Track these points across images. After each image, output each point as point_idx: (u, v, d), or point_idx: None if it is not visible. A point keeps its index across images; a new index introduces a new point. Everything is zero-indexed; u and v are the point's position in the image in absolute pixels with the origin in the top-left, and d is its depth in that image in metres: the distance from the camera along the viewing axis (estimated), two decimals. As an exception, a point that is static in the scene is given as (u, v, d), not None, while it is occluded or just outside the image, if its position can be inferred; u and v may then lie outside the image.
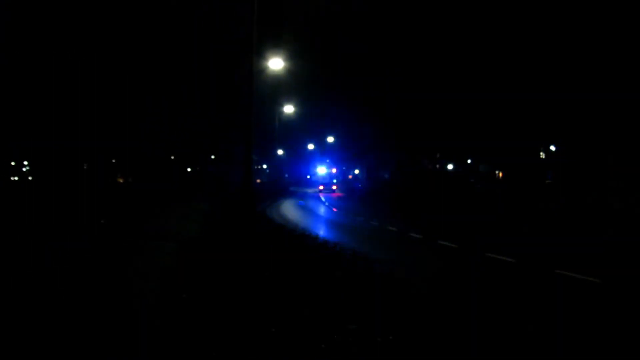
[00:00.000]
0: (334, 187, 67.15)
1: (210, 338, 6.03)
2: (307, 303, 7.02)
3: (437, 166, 63.60)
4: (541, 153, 49.66)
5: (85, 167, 44.01)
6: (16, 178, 56.17)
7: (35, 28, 33.68)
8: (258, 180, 61.07)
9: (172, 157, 55.81)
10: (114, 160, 49.27)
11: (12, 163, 56.70)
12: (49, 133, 36.12)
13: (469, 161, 58.39)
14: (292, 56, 33.47)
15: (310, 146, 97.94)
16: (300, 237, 14.81)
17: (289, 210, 33.94)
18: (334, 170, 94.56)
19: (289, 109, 47.53)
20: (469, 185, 50.35)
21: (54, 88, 34.90)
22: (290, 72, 33.69)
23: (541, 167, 47.51)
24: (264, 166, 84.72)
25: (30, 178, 55.34)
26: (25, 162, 58.94)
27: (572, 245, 15.78)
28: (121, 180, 52.51)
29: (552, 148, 48.17)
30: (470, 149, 50.81)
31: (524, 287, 10.46)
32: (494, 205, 32.47)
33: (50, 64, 34.39)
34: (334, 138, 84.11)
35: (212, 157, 60.97)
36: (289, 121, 55.89)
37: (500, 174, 57.32)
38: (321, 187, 64.65)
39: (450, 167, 62.71)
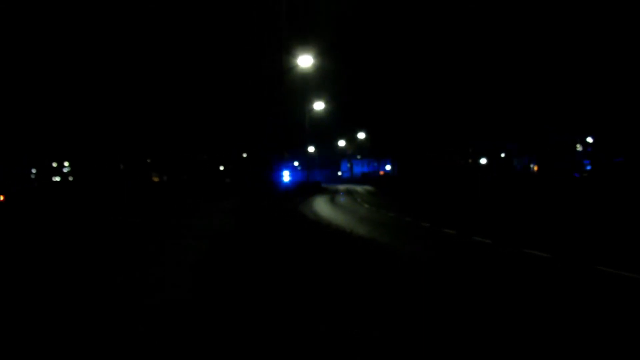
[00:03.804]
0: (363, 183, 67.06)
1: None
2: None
3: (470, 161, 62.84)
4: (578, 145, 48.56)
5: (121, 167, 45.06)
6: (58, 178, 57.89)
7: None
8: (289, 178, 61.38)
9: (205, 157, 56.61)
10: (149, 160, 50.27)
11: (54, 164, 58.43)
12: (89, 136, 37.23)
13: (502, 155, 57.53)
14: (322, 52, 33.53)
15: (341, 142, 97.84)
16: (334, 235, 14.87)
17: (321, 207, 34.07)
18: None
19: (319, 105, 47.58)
20: (501, 180, 49.60)
21: (94, 95, 35.95)
22: (319, 69, 33.77)
23: (578, 159, 46.51)
24: (295, 163, 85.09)
25: (70, 178, 56.92)
26: (66, 163, 60.61)
27: (615, 242, 15.44)
28: (156, 179, 53.53)
29: (590, 140, 47.02)
30: (503, 143, 50.09)
31: (565, 286, 10.29)
32: (528, 199, 31.94)
33: (94, 73, 35.49)
34: (365, 134, 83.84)
35: (244, 155, 61.58)
36: (319, 118, 55.97)
37: (536, 168, 56.28)
38: (342, 189, 64.69)
39: (483, 161, 61.87)
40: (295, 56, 24.04)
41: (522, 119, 42.27)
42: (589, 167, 46.61)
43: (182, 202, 32.93)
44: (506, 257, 13.13)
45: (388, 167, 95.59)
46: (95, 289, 8.76)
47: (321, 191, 56.00)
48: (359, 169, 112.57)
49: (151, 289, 8.72)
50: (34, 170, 53.24)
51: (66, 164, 61.14)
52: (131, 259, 11.81)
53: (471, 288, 9.41)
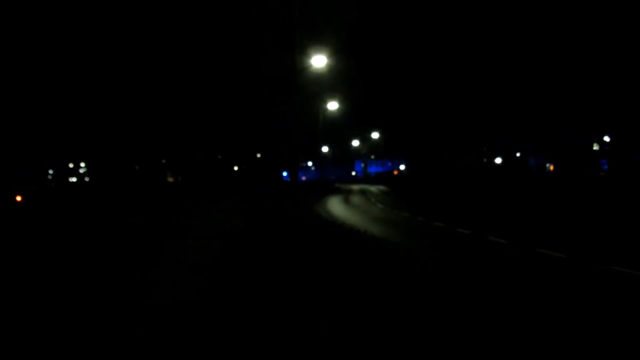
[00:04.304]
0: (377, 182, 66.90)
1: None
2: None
3: (485, 160, 62.44)
4: (594, 145, 48.01)
5: (136, 168, 45.49)
6: (74, 179, 58.61)
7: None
8: (304, 178, 61.44)
9: (219, 157, 56.90)
10: (164, 161, 50.68)
11: (70, 165, 59.15)
12: (105, 137, 37.70)
13: (517, 154, 57.09)
14: (336, 52, 33.51)
15: (355, 142, 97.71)
16: (348, 234, 14.88)
17: (335, 206, 34.07)
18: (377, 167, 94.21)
19: (332, 106, 47.54)
20: (517, 179, 49.23)
21: (110, 97, 36.43)
22: (333, 69, 33.76)
23: (595, 158, 45.99)
24: (309, 163, 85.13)
25: (86, 179, 57.57)
26: (82, 164, 61.31)
27: (632, 242, 15.27)
28: (171, 180, 53.92)
29: (607, 139, 46.47)
30: (518, 142, 49.71)
31: (581, 287, 10.20)
32: (542, 199, 31.66)
33: (110, 78, 36.00)
34: (379, 134, 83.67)
35: (258, 155, 61.77)
36: (333, 118, 55.96)
37: (552, 167, 55.77)
38: (356, 188, 64.58)
39: (498, 161, 61.45)
40: (309, 56, 24.08)
41: (537, 118, 41.97)
42: (606, 167, 46.09)
43: (197, 202, 33.13)
44: (521, 257, 13.04)
45: (402, 167, 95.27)
46: (114, 288, 8.86)
47: (335, 191, 55.99)
48: (372, 169, 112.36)
49: (163, 288, 8.80)
50: (50, 171, 53.93)
51: (82, 164, 61.86)
52: (146, 259, 11.91)
53: (486, 289, 9.37)
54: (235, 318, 6.80)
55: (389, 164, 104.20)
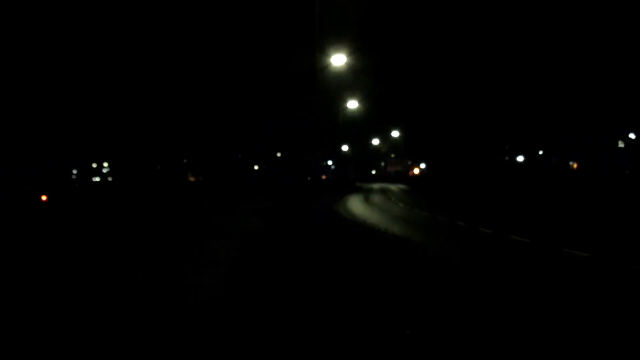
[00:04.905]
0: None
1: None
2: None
3: (506, 158, 61.77)
4: (620, 142, 47.18)
5: (158, 168, 45.97)
6: (97, 179, 59.46)
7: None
8: (324, 177, 61.47)
9: (240, 156, 57.22)
10: (185, 160, 51.12)
11: (94, 165, 59.99)
12: (128, 137, 38.22)
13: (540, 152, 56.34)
14: (356, 50, 33.45)
15: (375, 141, 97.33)
16: (369, 233, 14.84)
17: (355, 205, 34.01)
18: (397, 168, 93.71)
19: (352, 104, 47.46)
20: (538, 177, 48.59)
21: (132, 98, 36.95)
22: (353, 68, 33.73)
23: (620, 156, 45.14)
24: (329, 162, 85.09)
25: (109, 179, 58.34)
26: (105, 164, 62.11)
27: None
28: (192, 179, 54.35)
29: (632, 136, 45.65)
30: (540, 140, 49.01)
31: (608, 287, 10.02)
32: (565, 197, 31.20)
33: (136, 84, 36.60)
34: (399, 132, 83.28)
35: (278, 155, 61.93)
36: (353, 117, 55.87)
37: (575, 165, 54.96)
38: (376, 187, 64.39)
39: (520, 159, 60.72)
40: (328, 55, 24.06)
41: (560, 115, 41.32)
42: (630, 165, 45.17)
43: (218, 202, 33.35)
44: (546, 257, 12.88)
45: (422, 166, 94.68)
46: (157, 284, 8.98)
47: (355, 190, 55.90)
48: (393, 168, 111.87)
49: (188, 287, 8.91)
50: (74, 171, 54.75)
51: (105, 164, 62.69)
52: (165, 259, 12.04)
53: (514, 289, 9.26)
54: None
55: (409, 162, 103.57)
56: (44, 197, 28.36)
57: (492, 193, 38.44)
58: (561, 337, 6.36)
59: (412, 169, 78.35)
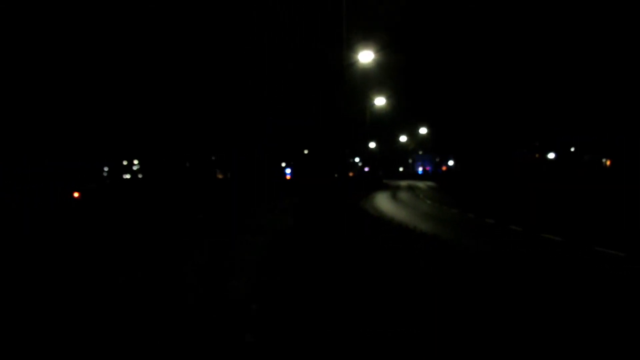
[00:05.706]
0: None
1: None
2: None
3: (537, 155, 60.67)
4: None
5: (187, 165, 46.52)
6: (128, 176, 60.52)
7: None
8: (350, 174, 61.35)
9: (267, 155, 57.45)
10: (213, 157, 51.58)
11: (124, 162, 61.05)
12: (158, 135, 38.86)
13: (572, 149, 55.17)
14: (383, 47, 33.21)
15: (403, 138, 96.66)
16: (397, 230, 14.78)
17: (383, 202, 33.92)
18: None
19: (380, 101, 47.16)
20: (571, 174, 47.64)
21: (162, 96, 37.60)
22: (380, 64, 33.50)
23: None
24: (357, 159, 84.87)
25: (140, 176, 59.31)
26: (135, 161, 63.12)
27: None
28: (220, 176, 54.83)
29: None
30: (573, 137, 47.97)
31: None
32: (597, 195, 30.52)
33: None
34: (428, 129, 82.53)
35: (305, 151, 61.98)
36: (380, 114, 55.54)
37: (608, 162, 53.72)
38: (403, 184, 63.92)
39: (551, 156, 59.57)
40: (356, 51, 23.96)
41: (593, 111, 40.33)
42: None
43: (246, 199, 33.63)
44: (579, 256, 12.64)
45: (451, 163, 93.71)
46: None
47: (382, 187, 55.73)
48: (419, 164, 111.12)
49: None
50: (106, 168, 55.76)
51: (135, 161, 63.67)
52: (203, 253, 12.23)
53: (544, 288, 9.10)
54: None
55: (437, 159, 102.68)
56: (76, 194, 28.99)
57: (522, 190, 37.84)
58: (597, 338, 6.23)
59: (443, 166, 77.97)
